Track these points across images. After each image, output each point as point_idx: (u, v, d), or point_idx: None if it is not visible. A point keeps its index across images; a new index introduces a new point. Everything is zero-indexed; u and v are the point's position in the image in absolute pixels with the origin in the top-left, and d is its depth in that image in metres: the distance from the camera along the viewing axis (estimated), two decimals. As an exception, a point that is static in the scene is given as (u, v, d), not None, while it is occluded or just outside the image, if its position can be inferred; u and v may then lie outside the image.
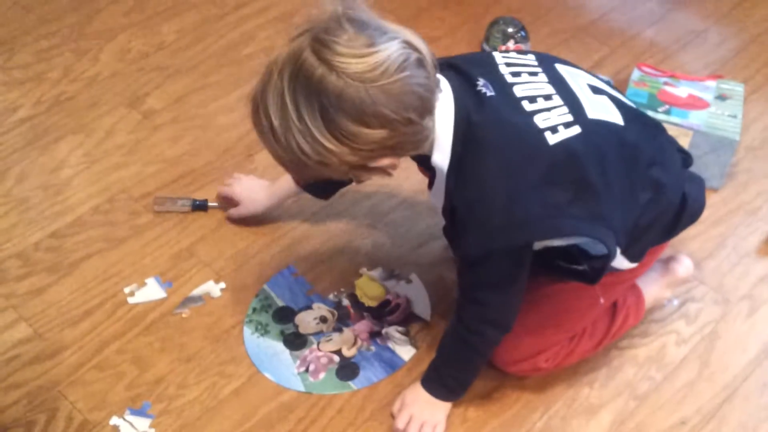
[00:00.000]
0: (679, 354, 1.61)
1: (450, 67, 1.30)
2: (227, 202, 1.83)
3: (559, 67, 1.37)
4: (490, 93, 1.25)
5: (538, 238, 1.29)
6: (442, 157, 1.25)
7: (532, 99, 1.27)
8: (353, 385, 1.55)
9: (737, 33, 2.37)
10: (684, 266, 1.63)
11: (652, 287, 1.60)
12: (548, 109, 1.26)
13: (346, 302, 1.68)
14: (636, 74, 2.02)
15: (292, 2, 2.44)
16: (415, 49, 1.16)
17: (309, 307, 1.68)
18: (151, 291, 1.72)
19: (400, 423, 1.47)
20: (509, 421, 1.52)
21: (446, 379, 1.47)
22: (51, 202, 1.91)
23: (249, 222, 1.82)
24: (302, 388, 1.55)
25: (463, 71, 1.28)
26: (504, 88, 1.27)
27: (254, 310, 1.67)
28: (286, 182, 1.73)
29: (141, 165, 1.98)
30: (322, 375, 1.57)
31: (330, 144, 1.14)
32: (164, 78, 2.20)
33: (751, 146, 2.01)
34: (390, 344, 1.61)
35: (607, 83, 1.45)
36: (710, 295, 1.69)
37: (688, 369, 1.59)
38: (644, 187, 1.35)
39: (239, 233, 1.83)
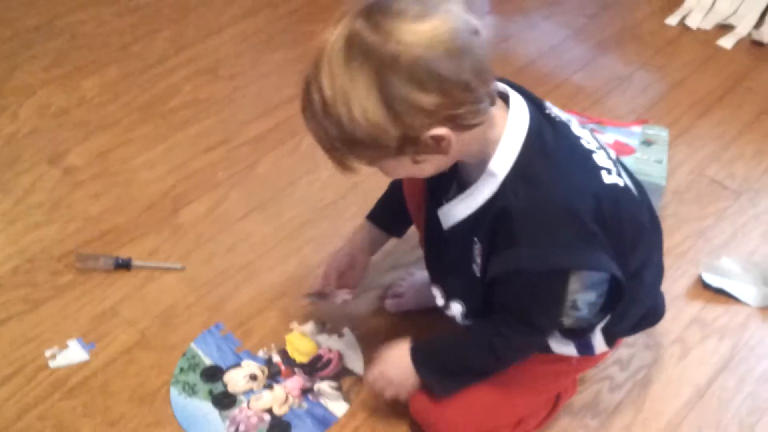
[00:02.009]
0: (613, 400, 1.60)
1: (510, 85, 1.25)
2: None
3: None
4: (558, 119, 1.23)
5: (585, 266, 1.23)
6: (504, 162, 1.18)
7: (586, 140, 1.26)
8: (284, 445, 1.50)
9: (661, 78, 2.42)
10: None
11: None
12: (598, 152, 1.25)
13: (276, 358, 1.64)
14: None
15: (216, 54, 2.42)
16: (470, 21, 1.11)
17: (238, 365, 1.63)
18: (73, 353, 1.66)
19: (370, 376, 1.45)
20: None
21: (439, 363, 1.40)
22: (-33, 263, 1.83)
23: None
24: (230, 450, 1.49)
25: (527, 92, 1.25)
26: (565, 121, 1.26)
27: (181, 369, 1.62)
28: (365, 240, 1.61)
29: (62, 223, 1.93)
30: (253, 435, 1.51)
31: (383, 110, 1.07)
32: (86, 134, 2.16)
33: (678, 190, 2.03)
34: (322, 400, 1.57)
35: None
36: (642, 339, 1.69)
37: (623, 415, 1.58)
38: (644, 266, 1.35)
39: (165, 291, 1.78)
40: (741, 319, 1.74)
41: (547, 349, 1.40)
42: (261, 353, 1.66)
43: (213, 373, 1.62)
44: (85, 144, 2.14)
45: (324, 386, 1.58)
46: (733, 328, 1.73)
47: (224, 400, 1.57)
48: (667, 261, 1.73)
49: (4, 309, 1.74)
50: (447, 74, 1.08)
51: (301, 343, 1.66)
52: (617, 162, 1.32)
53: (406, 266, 1.75)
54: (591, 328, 1.34)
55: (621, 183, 1.25)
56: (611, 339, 1.39)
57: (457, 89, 1.09)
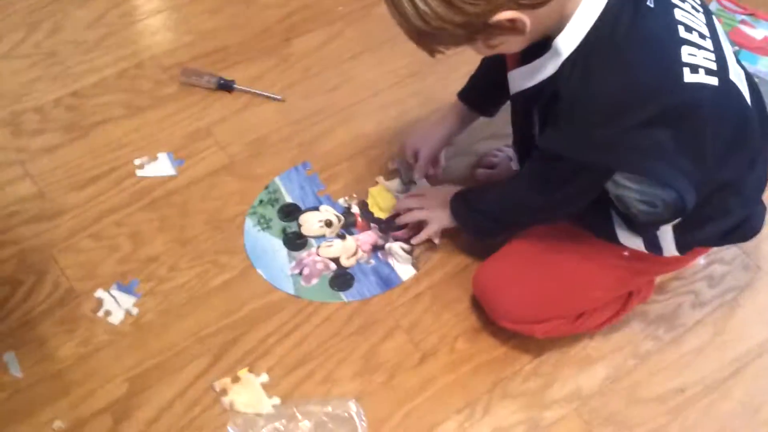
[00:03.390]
0: (693, 317, 1.52)
1: None
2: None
3: (715, 20, 1.22)
4: (650, 4, 1.10)
5: (626, 169, 1.15)
6: (570, 41, 1.09)
7: (688, 28, 1.12)
8: (344, 296, 1.50)
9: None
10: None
11: None
12: (698, 47, 1.11)
13: (355, 209, 1.61)
14: (713, 6, 1.85)
15: None
16: None
17: (316, 208, 1.61)
18: (162, 166, 1.67)
19: (408, 203, 1.53)
20: (498, 359, 1.45)
21: (473, 202, 1.44)
22: (79, 59, 1.85)
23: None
24: (292, 291, 1.50)
25: None
26: (666, 5, 1.13)
27: (260, 202, 1.62)
28: (451, 115, 1.59)
29: (175, 34, 1.92)
30: (314, 281, 1.51)
31: (437, 5, 1.02)
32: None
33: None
34: (391, 260, 1.54)
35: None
36: (741, 258, 1.58)
37: (700, 334, 1.50)
38: (734, 176, 1.24)
39: (261, 120, 1.76)
40: None
41: (614, 238, 1.31)
42: (341, 201, 1.63)
43: (290, 212, 1.61)
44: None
45: (395, 247, 1.54)
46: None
47: (295, 241, 1.57)
48: None
49: (105, 110, 1.76)
50: None
51: (384, 198, 1.62)
52: (725, 59, 1.16)
53: (505, 136, 1.66)
54: (654, 224, 1.24)
55: (713, 82, 1.10)
56: (685, 245, 1.29)
57: None
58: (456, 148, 1.66)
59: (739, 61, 1.24)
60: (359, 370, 1.43)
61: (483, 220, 1.44)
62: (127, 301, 1.48)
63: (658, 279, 1.51)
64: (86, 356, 1.42)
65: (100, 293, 1.49)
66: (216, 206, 1.62)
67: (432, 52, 1.13)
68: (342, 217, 1.60)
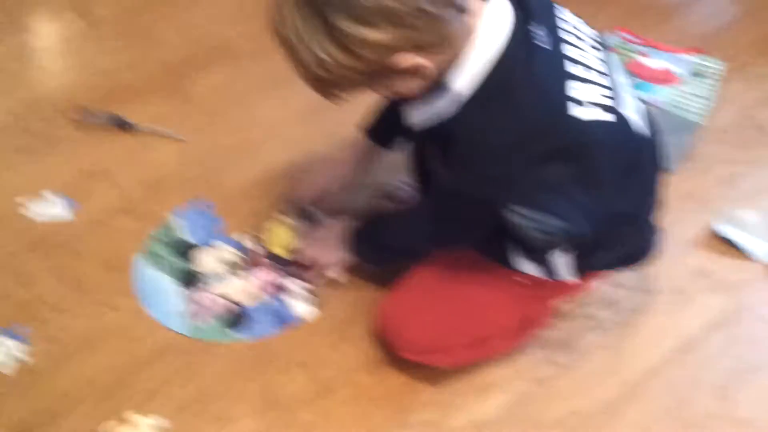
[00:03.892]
0: (590, 340, 1.53)
1: None
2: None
3: (610, 55, 1.26)
4: (541, 44, 1.11)
5: (522, 203, 1.17)
6: (465, 83, 1.10)
7: (578, 64, 1.14)
8: (237, 335, 1.48)
9: (732, 4, 2.22)
10: None
11: None
12: (591, 82, 1.14)
13: (253, 247, 1.60)
14: (613, 38, 1.90)
15: None
16: None
17: (213, 246, 1.60)
18: (57, 208, 1.64)
19: (305, 242, 1.52)
20: (397, 390, 1.44)
21: (371, 234, 1.44)
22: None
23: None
24: (184, 330, 1.48)
25: (528, 5, 1.13)
26: (557, 43, 1.14)
27: (155, 240, 1.60)
28: (353, 154, 1.58)
29: (73, 73, 1.91)
30: (207, 319, 1.49)
31: (340, 51, 1.02)
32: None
33: (717, 129, 1.89)
34: (289, 298, 1.53)
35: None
36: (635, 281, 1.59)
37: (597, 357, 1.51)
38: (630, 205, 1.29)
39: (163, 160, 1.76)
40: (746, 276, 1.63)
41: (509, 264, 1.32)
42: (239, 238, 1.62)
43: (185, 249, 1.59)
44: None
45: (294, 285, 1.53)
46: (736, 284, 1.62)
47: (189, 278, 1.55)
48: (686, 203, 1.65)
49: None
50: (392, 5, 0.99)
51: (283, 234, 1.60)
52: (620, 94, 1.20)
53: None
54: (550, 249, 1.27)
55: (606, 117, 1.14)
56: (579, 270, 1.32)
57: (412, 17, 1.01)
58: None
59: (635, 94, 1.28)
60: (257, 407, 1.41)
61: (382, 254, 1.45)
62: (19, 348, 1.44)
63: (555, 304, 1.52)
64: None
65: (-10, 340, 1.44)
66: (111, 248, 1.59)
67: (331, 97, 1.13)
68: (238, 254, 1.58)
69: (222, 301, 1.52)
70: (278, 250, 1.58)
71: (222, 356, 1.46)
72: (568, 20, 1.20)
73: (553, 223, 1.18)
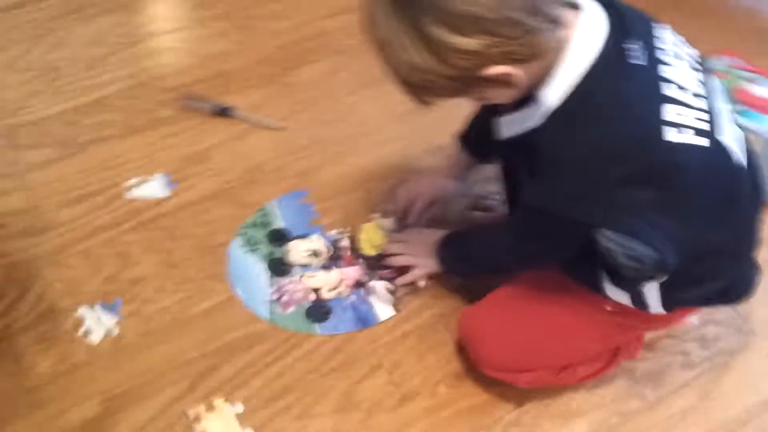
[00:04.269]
0: (681, 377, 1.49)
1: (608, 4, 1.12)
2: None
3: (711, 78, 1.21)
4: (635, 62, 1.08)
5: (605, 225, 1.13)
6: (554, 95, 1.08)
7: (677, 86, 1.10)
8: (318, 328, 1.48)
9: None
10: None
11: None
12: (687, 105, 1.10)
13: (345, 243, 1.59)
14: (720, 62, 1.84)
15: None
16: None
17: (306, 237, 1.60)
18: (155, 188, 1.66)
19: (394, 248, 1.52)
20: (479, 407, 1.43)
21: (460, 247, 1.43)
22: (80, 76, 1.85)
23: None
24: (267, 316, 1.49)
25: (625, 20, 1.11)
26: (653, 61, 1.11)
27: (251, 224, 1.61)
28: (448, 166, 1.59)
29: (180, 56, 1.91)
30: (291, 309, 1.50)
31: (430, 57, 1.01)
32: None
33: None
34: (372, 299, 1.52)
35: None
36: (735, 321, 1.55)
37: (687, 396, 1.47)
38: (723, 239, 1.22)
39: (259, 148, 1.75)
40: None
41: (601, 290, 1.29)
42: (333, 232, 1.62)
43: (279, 237, 1.60)
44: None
45: (379, 286, 1.52)
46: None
47: (279, 267, 1.55)
48: None
49: (100, 129, 1.76)
50: (484, 14, 0.97)
51: (376, 236, 1.60)
52: (718, 119, 1.15)
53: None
54: (640, 277, 1.22)
55: (702, 143, 1.09)
56: (671, 303, 1.27)
57: (504, 27, 0.98)
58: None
59: (736, 121, 1.23)
60: (337, 407, 1.41)
61: (468, 266, 1.43)
62: (109, 320, 1.46)
63: (648, 336, 1.49)
64: (63, 374, 1.40)
65: (82, 311, 1.47)
66: (206, 231, 1.60)
67: (422, 102, 1.12)
68: (331, 249, 1.58)
69: (308, 292, 1.52)
70: (370, 250, 1.58)
71: (308, 351, 1.46)
72: (667, 39, 1.16)
73: (641, 250, 1.14)
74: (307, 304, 1.50)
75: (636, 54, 1.08)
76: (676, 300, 1.27)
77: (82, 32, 1.96)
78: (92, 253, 1.55)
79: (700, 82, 1.15)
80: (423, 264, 1.48)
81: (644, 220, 1.10)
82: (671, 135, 1.06)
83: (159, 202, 1.64)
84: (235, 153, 1.74)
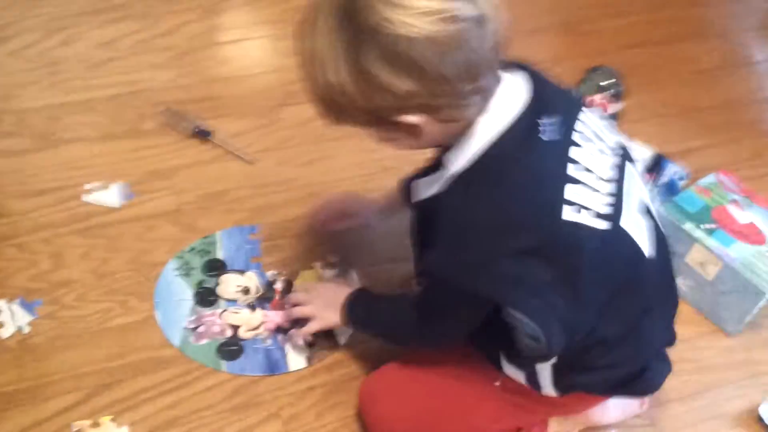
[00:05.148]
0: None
1: (536, 81, 1.11)
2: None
3: (630, 166, 1.20)
4: (548, 137, 1.07)
5: (495, 297, 1.11)
6: (461, 160, 1.08)
7: (583, 168, 1.09)
8: (225, 365, 1.47)
9: None
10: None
11: None
12: (591, 188, 1.09)
13: (279, 286, 1.58)
14: (708, 180, 1.79)
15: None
16: (480, 6, 0.99)
17: (242, 272, 1.59)
18: (111, 196, 1.67)
19: (297, 297, 1.48)
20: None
21: (367, 311, 1.40)
22: (79, 75, 1.89)
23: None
24: (177, 343, 1.48)
25: (546, 95, 1.11)
26: (566, 140, 1.10)
27: (192, 249, 1.61)
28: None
29: (179, 74, 1.94)
30: (204, 341, 1.48)
31: (353, 82, 1.00)
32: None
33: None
34: (287, 346, 1.50)
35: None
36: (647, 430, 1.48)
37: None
38: (620, 327, 1.18)
39: (226, 176, 1.76)
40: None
41: (498, 365, 1.26)
42: (270, 273, 1.60)
43: (215, 267, 1.59)
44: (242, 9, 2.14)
45: (297, 335, 1.49)
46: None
47: (206, 297, 1.55)
48: (735, 372, 1.53)
49: (79, 129, 1.79)
50: (424, 63, 0.96)
51: (312, 282, 1.58)
52: (622, 205, 1.12)
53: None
54: (535, 359, 1.19)
55: (600, 225, 1.07)
56: (564, 386, 1.23)
57: (436, 81, 0.98)
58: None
59: (648, 211, 1.21)
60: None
61: (369, 328, 1.42)
62: (24, 318, 1.47)
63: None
64: (-38, 361, 1.41)
65: (0, 304, 1.47)
66: (146, 248, 1.61)
67: (333, 121, 1.10)
68: (261, 289, 1.57)
69: (226, 328, 1.51)
70: (301, 298, 1.55)
71: (210, 386, 1.44)
72: (588, 121, 1.14)
73: (532, 326, 1.10)
74: (221, 339, 1.49)
75: (550, 129, 1.07)
76: (569, 384, 1.23)
77: (97, 34, 2.00)
78: (28, 247, 1.57)
79: (616, 166, 1.13)
80: (321, 317, 1.44)
81: (533, 295, 1.08)
82: (569, 214, 1.05)
83: (110, 210, 1.65)
84: (200, 176, 1.74)
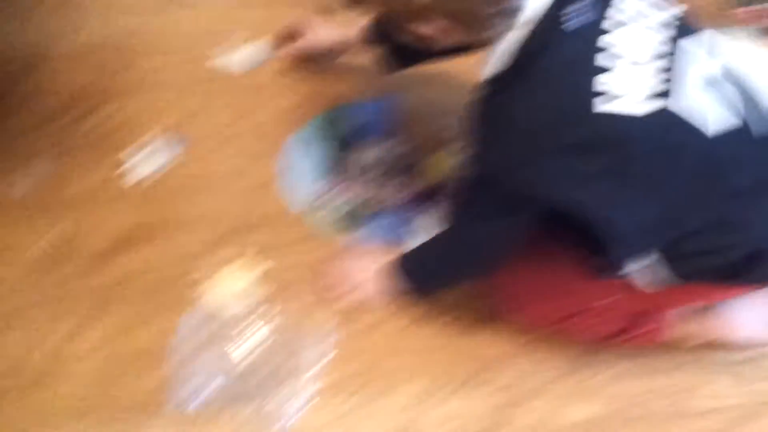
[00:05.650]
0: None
1: None
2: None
3: (687, 41, 1.14)
4: (574, 26, 1.06)
5: (541, 191, 1.11)
6: (489, 66, 1.11)
7: (610, 55, 1.06)
8: (351, 231, 1.50)
9: None
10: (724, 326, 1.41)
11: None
12: (627, 74, 1.06)
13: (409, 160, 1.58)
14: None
15: None
16: None
17: (374, 145, 1.59)
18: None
19: (345, 266, 1.46)
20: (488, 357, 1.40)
21: (413, 265, 1.38)
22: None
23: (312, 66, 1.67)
24: (303, 207, 1.52)
25: None
26: (590, 29, 1.08)
27: (327, 117, 1.63)
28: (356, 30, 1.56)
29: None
30: (334, 205, 1.52)
31: None
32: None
33: None
34: (419, 219, 1.51)
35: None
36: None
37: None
38: (708, 214, 1.15)
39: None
40: None
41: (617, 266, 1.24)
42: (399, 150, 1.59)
43: (350, 137, 1.60)
44: None
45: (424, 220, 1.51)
46: None
47: (339, 165, 1.57)
48: None
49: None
50: None
51: (444, 163, 1.57)
52: (679, 83, 1.08)
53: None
54: (628, 254, 1.19)
55: (645, 109, 1.05)
56: (683, 275, 1.21)
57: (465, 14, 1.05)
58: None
59: (726, 79, 1.15)
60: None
61: (428, 277, 1.40)
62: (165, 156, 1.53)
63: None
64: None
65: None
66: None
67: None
68: (391, 163, 1.58)
69: (358, 197, 1.53)
70: (435, 175, 1.56)
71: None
72: (629, 2, 1.12)
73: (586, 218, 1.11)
74: (351, 204, 1.52)
75: (579, 15, 1.06)
76: (687, 272, 1.22)
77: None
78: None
79: (670, 40, 1.11)
80: (372, 282, 1.43)
81: (579, 189, 1.08)
82: (603, 106, 1.03)
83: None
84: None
